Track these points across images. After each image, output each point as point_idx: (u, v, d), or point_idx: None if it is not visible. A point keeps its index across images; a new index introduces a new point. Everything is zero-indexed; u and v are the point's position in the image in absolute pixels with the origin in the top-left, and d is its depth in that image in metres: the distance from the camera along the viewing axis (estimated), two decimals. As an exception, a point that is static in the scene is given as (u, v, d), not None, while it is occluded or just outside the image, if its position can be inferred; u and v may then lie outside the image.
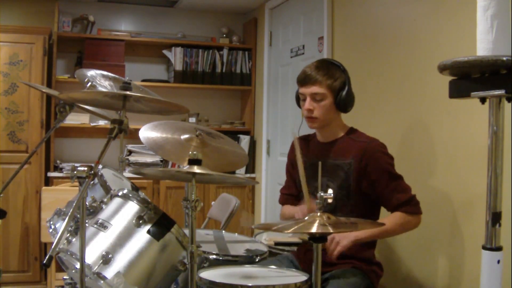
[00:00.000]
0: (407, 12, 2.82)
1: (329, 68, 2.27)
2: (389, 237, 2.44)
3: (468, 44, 2.18)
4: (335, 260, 2.11)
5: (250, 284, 1.86)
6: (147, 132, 2.24)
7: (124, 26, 4.99)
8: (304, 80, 2.27)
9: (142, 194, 2.42)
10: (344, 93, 2.26)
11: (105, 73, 2.59)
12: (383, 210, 2.32)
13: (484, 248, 1.55)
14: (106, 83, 2.51)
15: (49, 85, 4.42)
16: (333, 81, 2.25)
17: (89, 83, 2.40)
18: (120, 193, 2.05)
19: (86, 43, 4.63)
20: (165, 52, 4.92)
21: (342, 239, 2.06)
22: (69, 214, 1.67)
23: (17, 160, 4.08)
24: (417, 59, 2.72)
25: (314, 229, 1.66)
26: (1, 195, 2.39)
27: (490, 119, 1.55)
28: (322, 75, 2.24)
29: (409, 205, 2.20)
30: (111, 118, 1.86)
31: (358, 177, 2.22)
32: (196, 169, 1.82)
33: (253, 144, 4.95)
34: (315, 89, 2.24)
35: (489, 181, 1.55)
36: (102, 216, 1.99)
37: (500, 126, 1.54)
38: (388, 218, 2.20)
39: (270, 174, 4.65)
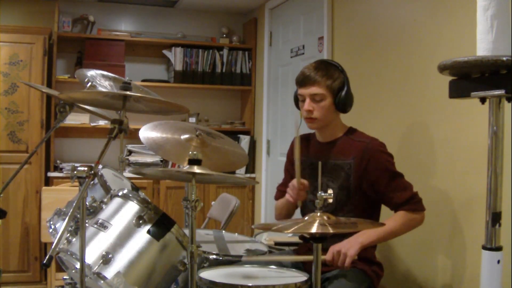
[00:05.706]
0: (407, 12, 2.82)
1: (328, 69, 2.27)
2: (394, 238, 2.42)
3: (468, 44, 2.18)
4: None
5: (250, 284, 1.86)
6: (147, 132, 2.24)
7: (124, 26, 4.99)
8: (303, 81, 2.26)
9: (142, 194, 2.42)
10: (343, 93, 2.26)
11: (105, 73, 2.59)
12: (384, 210, 2.32)
13: (484, 248, 1.55)
14: (106, 83, 2.51)
15: (49, 85, 4.42)
16: (332, 82, 2.24)
17: (89, 83, 2.40)
18: (120, 193, 2.05)
19: (86, 43, 4.63)
20: (165, 52, 4.92)
21: (349, 249, 2.04)
22: (69, 214, 1.67)
23: (17, 160, 4.08)
24: (417, 59, 2.72)
25: (314, 229, 1.66)
26: (1, 195, 2.39)
27: (490, 119, 1.55)
28: (321, 75, 2.24)
29: (412, 203, 2.19)
30: (111, 118, 1.86)
31: (358, 177, 2.22)
32: (196, 169, 1.82)
33: (253, 144, 4.95)
34: (314, 89, 2.24)
35: (489, 181, 1.55)
36: (102, 216, 1.99)
37: (500, 126, 1.54)
38: (391, 218, 2.19)
39: (270, 174, 4.65)
